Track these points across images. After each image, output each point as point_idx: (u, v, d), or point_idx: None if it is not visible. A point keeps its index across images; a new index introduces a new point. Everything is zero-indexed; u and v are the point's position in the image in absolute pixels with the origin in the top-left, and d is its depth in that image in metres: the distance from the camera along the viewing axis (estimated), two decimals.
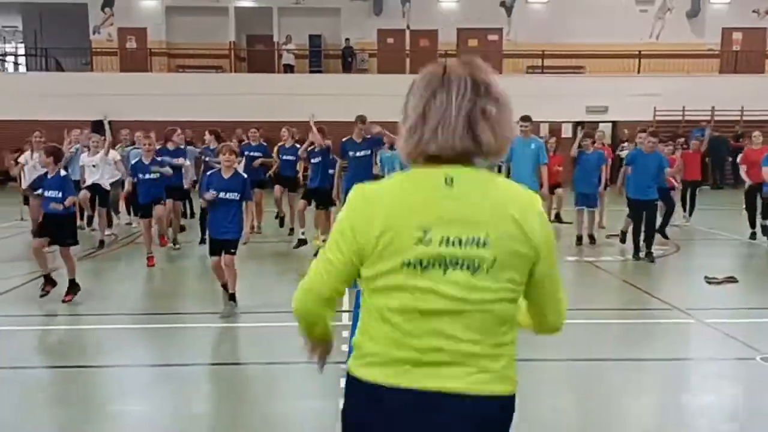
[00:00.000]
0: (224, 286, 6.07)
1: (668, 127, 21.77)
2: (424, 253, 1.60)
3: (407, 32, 23.85)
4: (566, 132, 22.48)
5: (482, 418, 1.63)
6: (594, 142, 10.39)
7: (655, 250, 9.27)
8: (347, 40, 22.87)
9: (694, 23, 24.12)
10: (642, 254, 8.55)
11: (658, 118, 21.95)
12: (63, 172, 6.58)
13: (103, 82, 21.24)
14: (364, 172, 8.30)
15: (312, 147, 8.84)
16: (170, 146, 9.56)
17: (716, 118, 21.75)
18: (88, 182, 9.59)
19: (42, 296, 6.33)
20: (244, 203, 6.09)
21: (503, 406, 1.67)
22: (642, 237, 8.56)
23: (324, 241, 8.78)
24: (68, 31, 22.72)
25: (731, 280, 7.45)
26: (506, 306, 1.65)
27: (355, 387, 1.69)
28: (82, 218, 10.23)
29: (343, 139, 8.94)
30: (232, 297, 6.01)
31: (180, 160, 9.38)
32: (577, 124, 22.65)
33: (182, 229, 10.29)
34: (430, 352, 1.61)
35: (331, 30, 23.50)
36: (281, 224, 10.82)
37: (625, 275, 7.92)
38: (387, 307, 1.64)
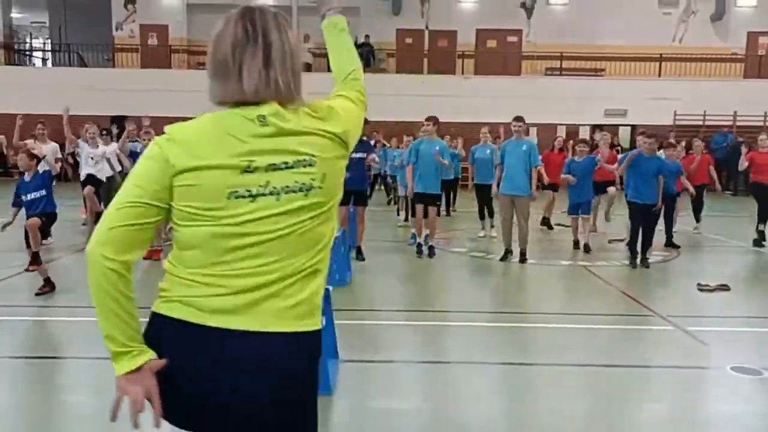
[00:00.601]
0: None
1: (688, 131, 21.51)
2: (251, 181, 1.60)
3: (426, 32, 23.85)
4: (584, 135, 22.27)
5: (298, 352, 1.66)
6: (594, 148, 10.19)
7: (657, 255, 9.28)
8: (367, 36, 22.90)
9: (719, 27, 23.71)
10: (638, 260, 8.44)
11: (678, 122, 21.63)
12: (41, 169, 6.69)
13: (124, 78, 21.63)
14: (360, 172, 8.31)
15: None
16: None
17: (738, 124, 21.33)
18: (85, 174, 9.62)
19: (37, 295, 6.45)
20: None
21: (310, 345, 1.70)
22: (639, 242, 8.45)
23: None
24: (92, 27, 23.18)
25: (723, 288, 7.32)
26: (323, 227, 1.71)
27: (166, 325, 1.64)
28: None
29: None
30: None
31: None
32: (594, 127, 22.44)
33: None
34: (247, 289, 1.62)
35: (350, 29, 23.48)
36: None
37: (615, 280, 7.80)
38: (205, 238, 1.61)
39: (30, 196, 6.54)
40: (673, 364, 4.97)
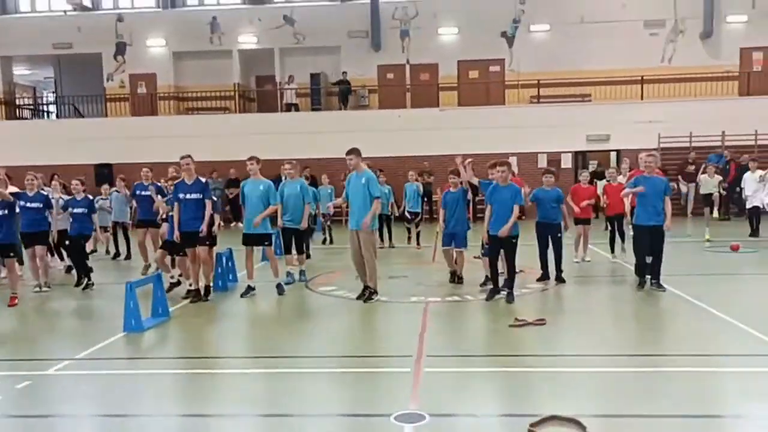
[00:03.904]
0: None
1: (674, 154, 20.75)
2: None
3: (407, 66, 23.93)
4: (566, 163, 21.77)
5: None
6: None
7: (535, 286, 9.23)
8: (344, 73, 23.14)
9: (709, 44, 22.92)
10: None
11: (663, 145, 20.89)
12: None
13: (114, 127, 22.48)
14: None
15: None
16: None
17: (728, 144, 20.45)
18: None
19: None
20: None
21: None
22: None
23: None
24: (86, 79, 24.24)
25: (539, 322, 7.01)
26: None
27: None
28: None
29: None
30: None
31: None
32: (577, 154, 21.90)
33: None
34: None
35: (332, 68, 23.85)
36: None
37: (435, 315, 7.71)
38: None
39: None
40: (334, 413, 4.74)
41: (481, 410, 4.81)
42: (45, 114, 26.44)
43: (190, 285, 9.11)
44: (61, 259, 11.91)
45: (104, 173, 20.93)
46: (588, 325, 7.38)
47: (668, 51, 23.14)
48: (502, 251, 8.28)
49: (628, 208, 8.91)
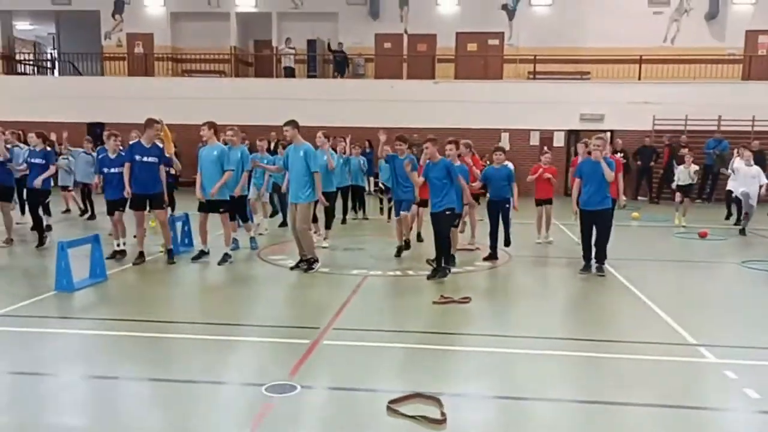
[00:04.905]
0: None
1: (668, 137, 20.36)
2: None
3: (405, 36, 23.64)
4: (558, 141, 21.50)
5: None
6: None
7: (482, 264, 9.20)
8: (340, 44, 22.95)
9: (713, 26, 22.36)
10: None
11: (657, 127, 20.56)
12: None
13: (110, 86, 22.51)
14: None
15: None
16: None
17: (724, 128, 20.05)
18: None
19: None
20: None
21: None
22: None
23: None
24: (84, 37, 24.26)
25: (464, 300, 7.01)
26: None
27: None
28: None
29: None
30: None
31: None
32: (570, 133, 21.58)
33: None
34: None
35: (329, 34, 23.61)
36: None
37: (363, 289, 7.76)
38: None
39: None
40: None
41: (359, 384, 4.85)
42: (46, 71, 26.55)
43: (118, 245, 9.31)
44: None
45: (97, 132, 21.03)
46: (511, 306, 7.38)
47: (671, 31, 22.63)
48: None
49: (575, 194, 8.77)
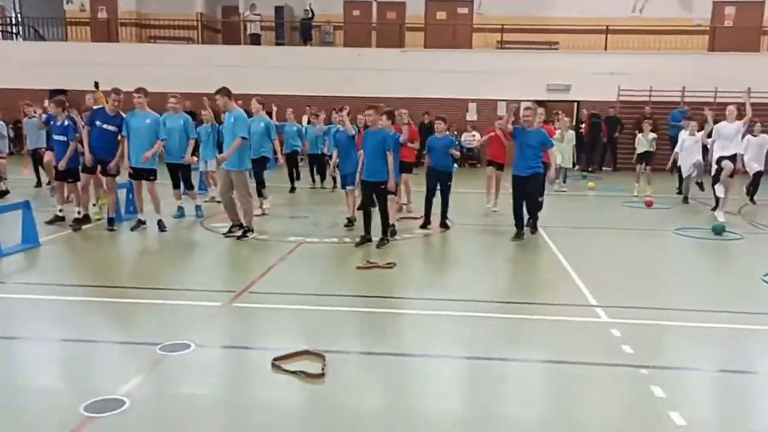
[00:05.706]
0: None
1: (633, 108, 20.49)
2: None
3: (374, 4, 23.41)
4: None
5: None
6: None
7: (419, 232, 9.31)
8: (305, 11, 22.69)
9: None
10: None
11: (621, 98, 20.65)
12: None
13: (73, 52, 22.15)
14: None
15: None
16: None
17: (687, 99, 20.19)
18: None
19: None
20: None
21: None
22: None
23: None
24: (45, 0, 23.81)
25: (388, 266, 7.14)
26: None
27: None
28: None
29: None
30: None
31: None
32: (536, 103, 21.56)
33: None
34: None
35: (297, 1, 23.35)
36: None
37: (298, 257, 7.84)
38: None
39: None
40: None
41: (252, 344, 4.99)
42: (11, 36, 26.03)
43: (78, 213, 9.28)
44: None
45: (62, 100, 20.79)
46: (434, 272, 7.53)
47: (640, 1, 22.57)
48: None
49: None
